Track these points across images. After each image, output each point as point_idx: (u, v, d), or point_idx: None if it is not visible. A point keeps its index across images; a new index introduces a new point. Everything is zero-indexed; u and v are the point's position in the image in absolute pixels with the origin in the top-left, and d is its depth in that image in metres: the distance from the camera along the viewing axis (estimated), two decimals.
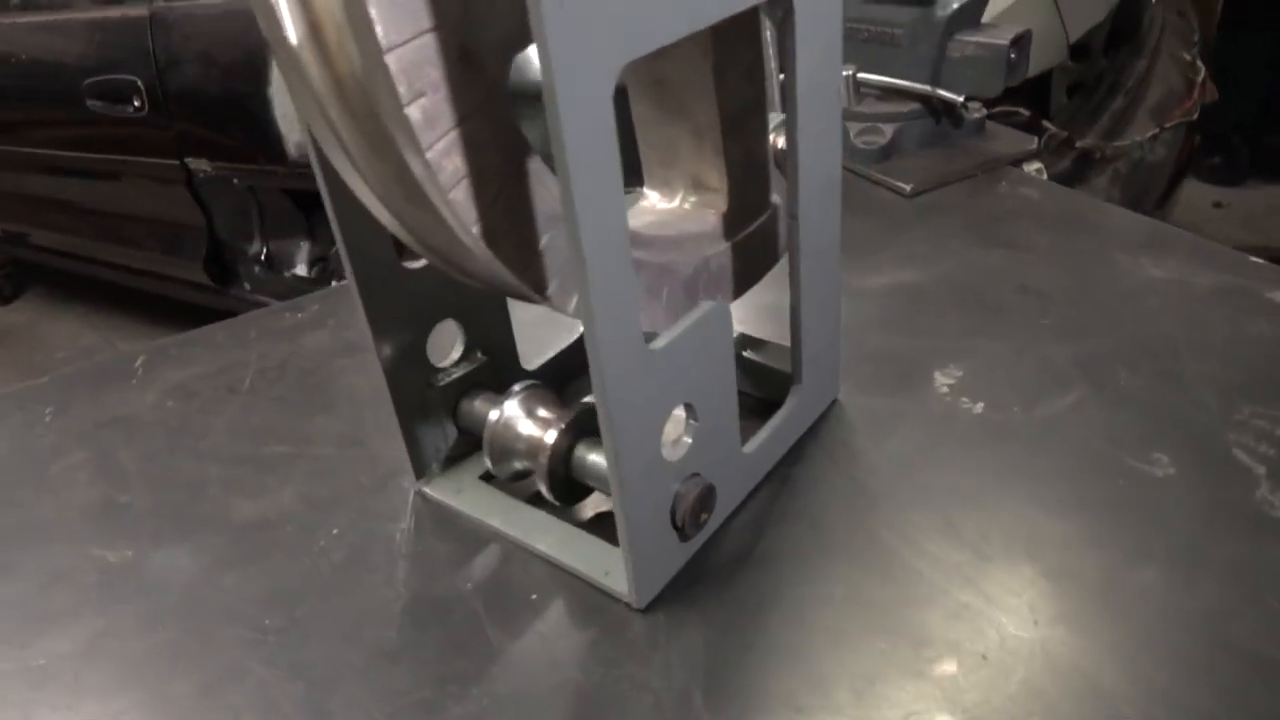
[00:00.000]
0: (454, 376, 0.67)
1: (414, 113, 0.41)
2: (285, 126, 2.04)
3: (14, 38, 2.54)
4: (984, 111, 1.13)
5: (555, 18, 0.38)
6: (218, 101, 2.16)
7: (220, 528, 0.67)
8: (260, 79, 2.03)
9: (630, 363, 0.50)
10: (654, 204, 0.69)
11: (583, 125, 0.41)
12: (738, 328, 0.75)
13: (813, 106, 0.58)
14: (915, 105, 1.11)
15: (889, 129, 1.10)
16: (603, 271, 0.46)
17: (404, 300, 0.62)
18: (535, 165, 0.49)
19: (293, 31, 0.43)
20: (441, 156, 0.43)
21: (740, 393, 0.61)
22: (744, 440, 0.64)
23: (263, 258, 2.39)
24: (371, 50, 0.39)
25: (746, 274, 0.67)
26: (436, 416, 0.67)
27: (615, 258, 0.46)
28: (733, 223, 0.66)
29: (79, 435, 0.78)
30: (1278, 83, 3.44)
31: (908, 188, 1.04)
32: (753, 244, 0.67)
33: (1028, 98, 1.58)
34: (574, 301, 0.53)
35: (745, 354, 0.75)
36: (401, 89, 0.40)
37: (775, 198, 0.69)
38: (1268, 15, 3.31)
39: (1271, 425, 0.67)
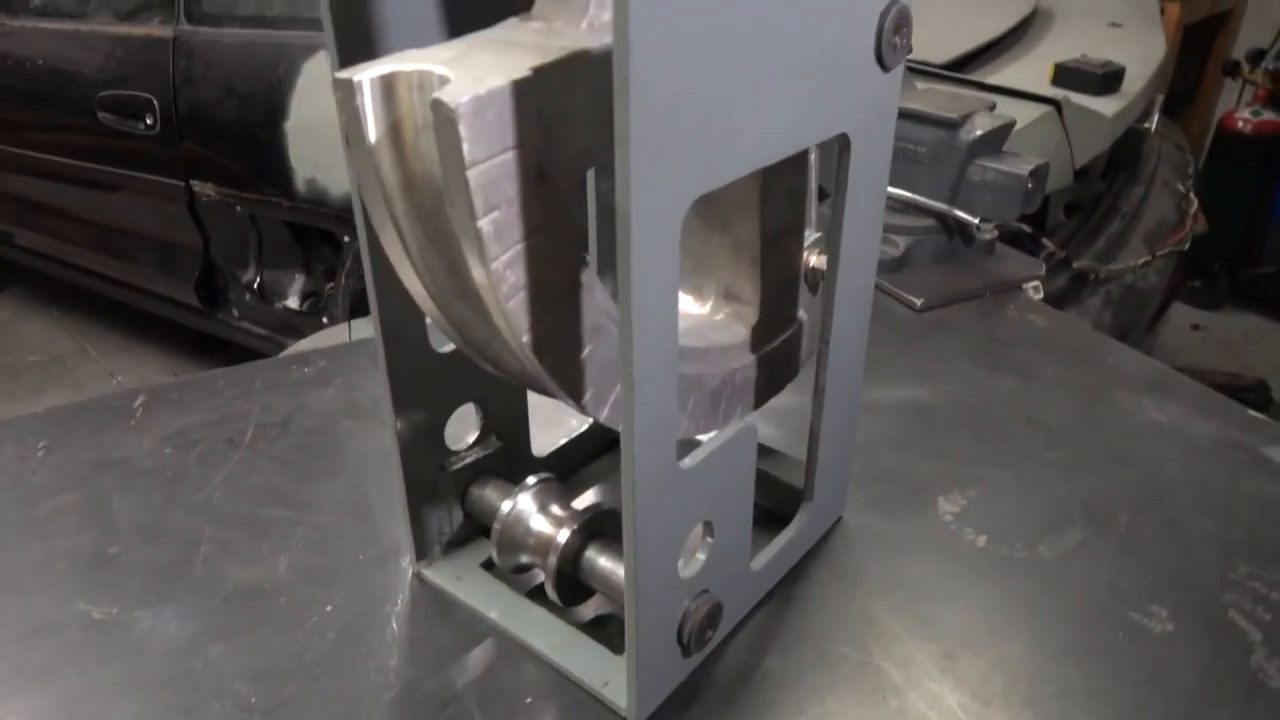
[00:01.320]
0: (466, 461, 0.66)
1: (486, 226, 0.41)
2: (298, 163, 2.05)
3: (34, 42, 2.55)
4: (996, 234, 1.15)
5: (640, 151, 0.39)
6: (231, 129, 2.17)
7: (211, 592, 0.65)
8: (278, 113, 2.04)
9: (661, 480, 0.50)
10: (684, 309, 0.70)
11: (651, 253, 0.42)
12: None
13: (856, 235, 0.59)
14: (930, 221, 1.13)
15: (903, 241, 1.12)
16: (648, 391, 0.46)
17: (429, 383, 0.62)
18: (588, 277, 0.49)
19: (372, 130, 0.43)
20: (505, 268, 0.43)
21: None
22: (751, 554, 0.63)
23: (255, 286, 2.38)
24: (454, 164, 0.40)
25: (769, 386, 0.68)
26: (445, 499, 0.66)
27: (662, 379, 0.46)
28: (760, 336, 0.67)
29: (71, 476, 0.76)
30: (1259, 217, 3.54)
31: (918, 302, 1.05)
32: (778, 357, 0.68)
33: (1029, 214, 1.62)
34: (607, 410, 0.53)
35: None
36: (478, 203, 0.41)
37: (801, 313, 0.69)
38: (1252, 151, 3.43)
39: (1267, 589, 0.68)
